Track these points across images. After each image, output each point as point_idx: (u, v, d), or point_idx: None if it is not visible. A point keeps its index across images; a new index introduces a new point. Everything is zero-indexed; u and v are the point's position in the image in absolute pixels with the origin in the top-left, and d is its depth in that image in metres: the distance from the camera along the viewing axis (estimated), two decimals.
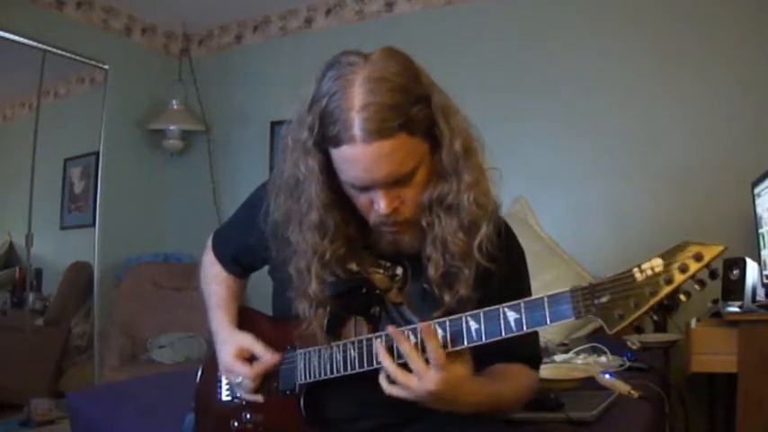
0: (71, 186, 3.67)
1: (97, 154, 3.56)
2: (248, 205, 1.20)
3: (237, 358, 1.10)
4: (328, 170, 0.96)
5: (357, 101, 0.88)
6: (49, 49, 3.24)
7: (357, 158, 0.90)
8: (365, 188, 0.94)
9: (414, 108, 0.90)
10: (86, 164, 3.62)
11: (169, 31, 3.97)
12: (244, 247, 1.20)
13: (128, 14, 3.71)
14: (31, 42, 3.15)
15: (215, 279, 1.24)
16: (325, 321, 1.03)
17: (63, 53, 3.30)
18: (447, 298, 0.97)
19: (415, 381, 0.88)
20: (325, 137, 0.91)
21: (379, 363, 0.95)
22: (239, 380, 1.10)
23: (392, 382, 0.91)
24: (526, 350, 1.10)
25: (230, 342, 1.13)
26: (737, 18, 2.69)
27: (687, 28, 2.78)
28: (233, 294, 1.24)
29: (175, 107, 3.77)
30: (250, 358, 1.10)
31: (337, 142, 0.90)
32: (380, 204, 0.93)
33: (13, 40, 3.07)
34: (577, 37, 2.99)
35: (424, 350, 0.89)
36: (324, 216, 0.98)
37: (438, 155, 0.96)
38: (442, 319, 0.90)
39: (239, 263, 1.24)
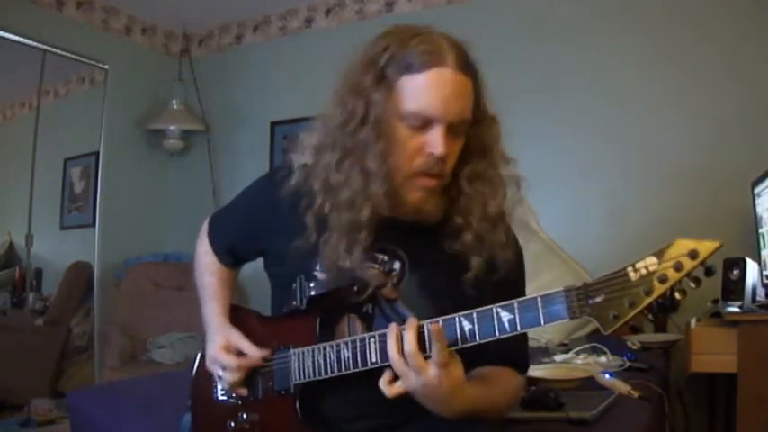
0: (71, 186, 3.67)
1: (97, 154, 3.56)
2: (254, 190, 1.21)
3: (224, 350, 1.10)
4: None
5: (444, 39, 0.96)
6: (49, 49, 3.24)
7: (443, 83, 0.94)
8: (425, 126, 0.95)
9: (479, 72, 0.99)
10: (86, 164, 3.62)
11: (169, 31, 3.98)
12: (243, 231, 1.20)
13: (128, 14, 3.71)
14: (31, 42, 3.15)
15: (208, 269, 1.24)
16: (318, 322, 1.03)
17: (63, 53, 3.30)
18: (475, 262, 1.00)
19: (412, 375, 0.89)
20: (406, 64, 0.94)
21: (374, 363, 0.95)
22: (221, 372, 1.10)
23: (395, 379, 0.91)
24: (516, 354, 1.10)
25: (220, 334, 1.13)
26: (737, 18, 2.69)
27: (687, 28, 2.78)
28: (227, 285, 1.24)
29: (175, 107, 3.78)
30: (237, 353, 1.09)
31: (424, 66, 0.93)
32: (438, 143, 0.95)
33: (13, 40, 3.07)
34: (577, 37, 2.99)
35: (423, 349, 0.90)
36: (392, 142, 0.98)
37: (475, 131, 1.01)
38: (435, 319, 0.90)
39: (234, 251, 1.23)
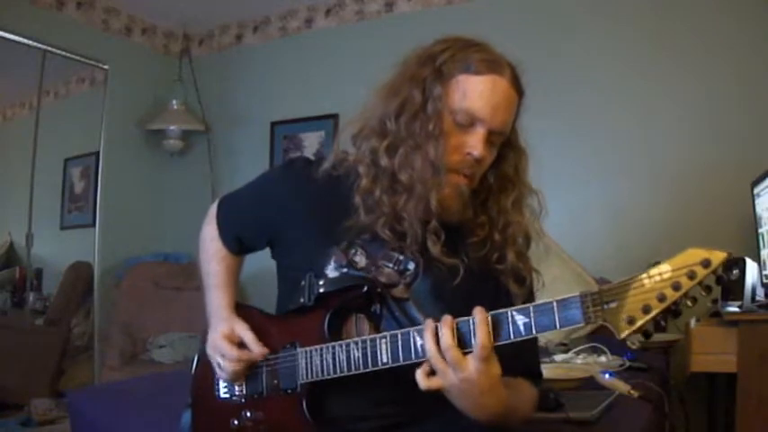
0: (71, 186, 3.67)
1: (97, 154, 3.56)
2: (271, 177, 1.21)
3: (226, 339, 1.09)
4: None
5: (502, 56, 1.03)
6: (49, 49, 3.25)
7: (497, 90, 1.00)
8: (471, 125, 1.00)
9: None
10: (86, 164, 3.63)
11: (169, 31, 3.97)
12: (255, 218, 1.18)
13: (128, 14, 3.71)
14: (31, 42, 3.16)
15: (215, 257, 1.22)
16: (327, 320, 1.03)
17: (63, 53, 3.31)
18: (511, 256, 1.06)
19: (450, 370, 0.88)
20: (466, 65, 1.00)
21: (384, 363, 0.95)
22: (220, 360, 1.09)
23: (430, 373, 0.91)
24: (531, 364, 1.11)
25: (226, 323, 1.11)
26: (738, 18, 2.69)
27: (687, 27, 2.79)
28: (233, 274, 1.22)
29: (175, 107, 3.77)
30: (239, 345, 1.09)
31: (483, 71, 0.99)
32: (478, 145, 0.99)
33: (13, 40, 3.08)
34: (577, 37, 3.00)
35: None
36: (444, 133, 1.01)
37: (509, 153, 1.08)
38: (449, 321, 0.90)
39: (241, 238, 1.21)
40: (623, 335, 0.81)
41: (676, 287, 0.78)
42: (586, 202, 2.93)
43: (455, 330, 0.89)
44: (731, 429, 1.95)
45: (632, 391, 1.64)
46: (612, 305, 0.81)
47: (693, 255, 0.78)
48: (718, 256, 0.77)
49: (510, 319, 0.87)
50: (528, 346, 1.09)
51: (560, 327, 0.84)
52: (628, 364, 1.99)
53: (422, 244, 1.03)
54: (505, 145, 1.07)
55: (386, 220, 1.03)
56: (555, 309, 0.84)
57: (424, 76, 1.02)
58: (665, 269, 0.79)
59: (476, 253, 1.06)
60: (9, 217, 3.44)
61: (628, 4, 2.92)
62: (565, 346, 2.28)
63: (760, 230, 2.16)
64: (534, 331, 0.86)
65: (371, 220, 1.03)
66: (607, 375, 1.76)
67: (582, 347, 2.17)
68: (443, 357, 0.88)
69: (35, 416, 3.02)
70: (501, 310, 0.88)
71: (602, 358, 2.06)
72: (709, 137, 2.71)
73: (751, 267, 2.01)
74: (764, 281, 2.03)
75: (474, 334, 0.87)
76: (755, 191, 2.20)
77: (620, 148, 2.89)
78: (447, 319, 0.90)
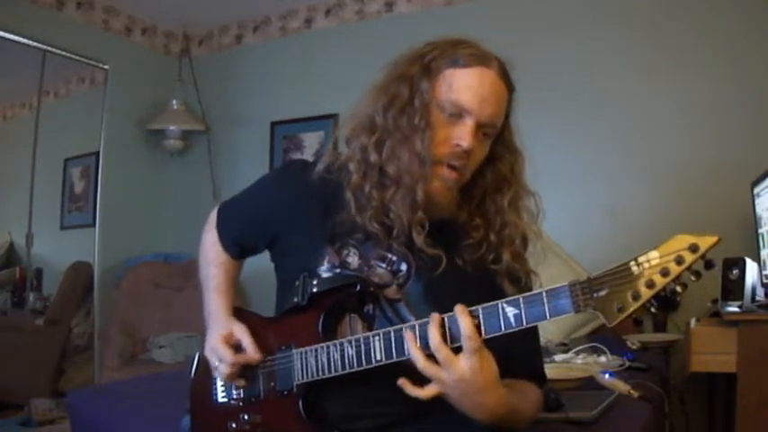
0: (71, 186, 3.67)
1: (97, 154, 3.56)
2: (269, 181, 1.22)
3: (224, 342, 1.09)
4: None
5: (490, 51, 1.03)
6: (49, 49, 3.25)
7: (485, 82, 1.00)
8: (459, 117, 1.00)
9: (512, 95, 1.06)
10: (86, 164, 3.63)
11: (169, 31, 3.98)
12: (255, 221, 1.19)
13: (128, 14, 3.71)
14: (31, 42, 3.16)
15: (214, 261, 1.23)
16: (320, 321, 1.03)
17: (63, 53, 3.31)
18: (506, 257, 1.05)
19: (444, 372, 0.88)
20: (453, 59, 1.01)
21: (378, 361, 0.95)
22: (217, 363, 1.09)
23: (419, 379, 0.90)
24: (534, 367, 1.11)
25: (224, 326, 1.12)
26: (738, 17, 2.69)
27: (687, 27, 2.79)
28: (231, 278, 1.23)
29: (175, 107, 3.78)
30: (237, 346, 1.09)
31: (471, 63, 1.01)
32: (466, 137, 0.99)
33: (13, 40, 3.08)
34: (577, 37, 2.99)
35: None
36: (431, 126, 1.01)
37: (503, 153, 1.08)
38: (439, 317, 0.90)
39: (241, 242, 1.22)
40: (613, 323, 0.81)
41: (665, 273, 0.78)
42: (586, 201, 2.93)
43: (445, 328, 0.89)
44: (731, 429, 1.95)
45: (632, 391, 1.64)
46: (602, 293, 0.81)
47: (681, 240, 0.78)
48: (706, 241, 0.77)
49: (500, 311, 0.87)
50: (530, 349, 1.10)
51: (550, 317, 0.84)
52: (628, 364, 1.99)
53: (408, 236, 1.02)
54: (500, 145, 1.07)
55: (374, 214, 1.03)
56: (544, 299, 0.84)
57: (411, 73, 1.03)
58: (652, 255, 0.79)
59: (472, 255, 1.06)
60: (9, 217, 3.44)
61: (628, 4, 2.92)
62: (565, 346, 2.28)
63: (760, 230, 2.16)
64: (525, 322, 0.86)
65: (361, 216, 1.03)
66: (607, 375, 1.76)
67: (582, 347, 2.17)
68: (434, 360, 0.88)
69: (35, 416, 3.02)
70: (491, 303, 0.88)
71: (602, 358, 2.06)
72: (710, 136, 2.71)
73: (751, 267, 2.01)
74: (764, 281, 2.03)
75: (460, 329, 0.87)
76: (755, 191, 2.20)
77: (619, 147, 2.89)
78: (435, 317, 0.90)
